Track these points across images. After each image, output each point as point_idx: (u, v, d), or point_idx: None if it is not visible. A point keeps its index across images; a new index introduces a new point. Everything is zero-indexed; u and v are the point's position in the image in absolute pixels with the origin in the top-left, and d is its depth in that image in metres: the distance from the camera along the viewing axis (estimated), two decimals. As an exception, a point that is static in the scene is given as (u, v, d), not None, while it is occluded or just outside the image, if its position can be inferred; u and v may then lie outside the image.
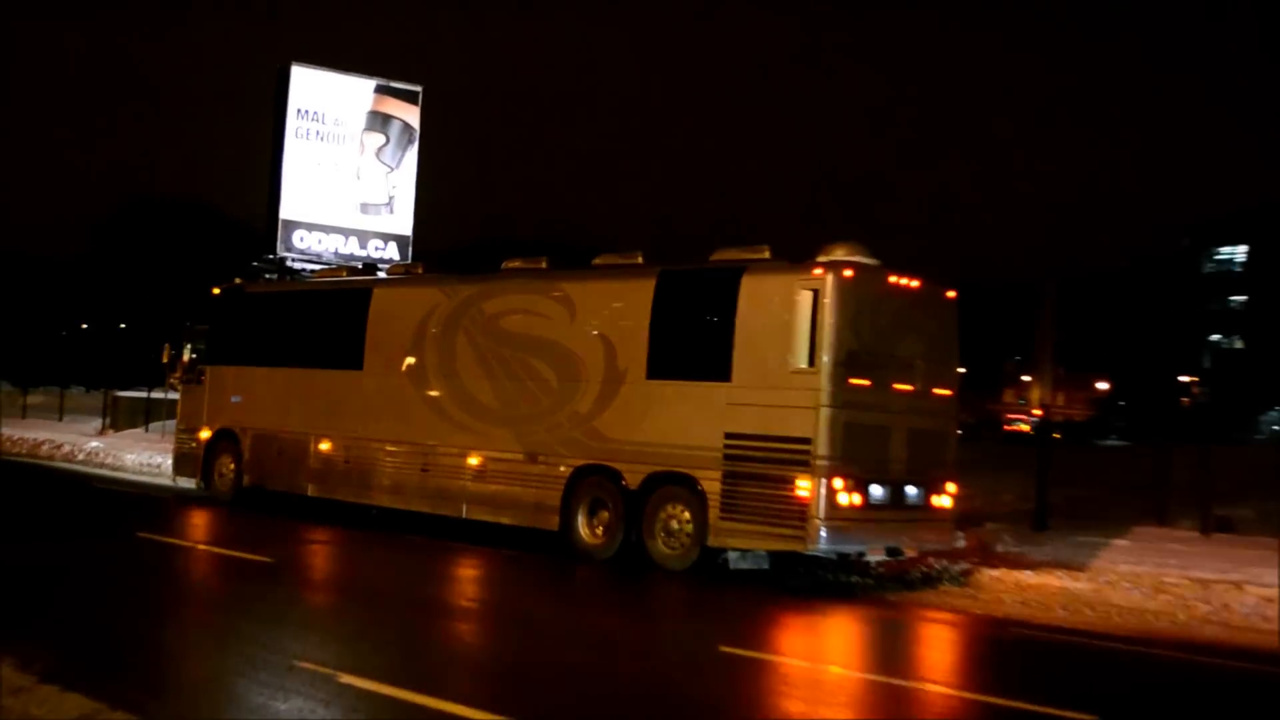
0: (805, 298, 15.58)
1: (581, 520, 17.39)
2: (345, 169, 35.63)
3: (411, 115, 36.62)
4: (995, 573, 16.76)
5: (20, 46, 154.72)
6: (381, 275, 24.93)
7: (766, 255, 16.66)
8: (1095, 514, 21.75)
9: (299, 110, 34.98)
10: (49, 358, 78.75)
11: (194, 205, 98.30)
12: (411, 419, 19.84)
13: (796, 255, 16.33)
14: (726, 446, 15.95)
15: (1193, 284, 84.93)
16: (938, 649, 13.71)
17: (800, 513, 15.21)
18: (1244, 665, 12.76)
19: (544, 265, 19.35)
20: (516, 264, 19.75)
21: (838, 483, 15.19)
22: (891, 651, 13.01)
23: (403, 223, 36.50)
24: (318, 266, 32.52)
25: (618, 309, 17.70)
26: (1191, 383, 78.45)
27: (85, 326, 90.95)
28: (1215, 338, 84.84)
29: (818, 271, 15.61)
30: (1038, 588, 16.09)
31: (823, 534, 15.13)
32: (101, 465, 31.37)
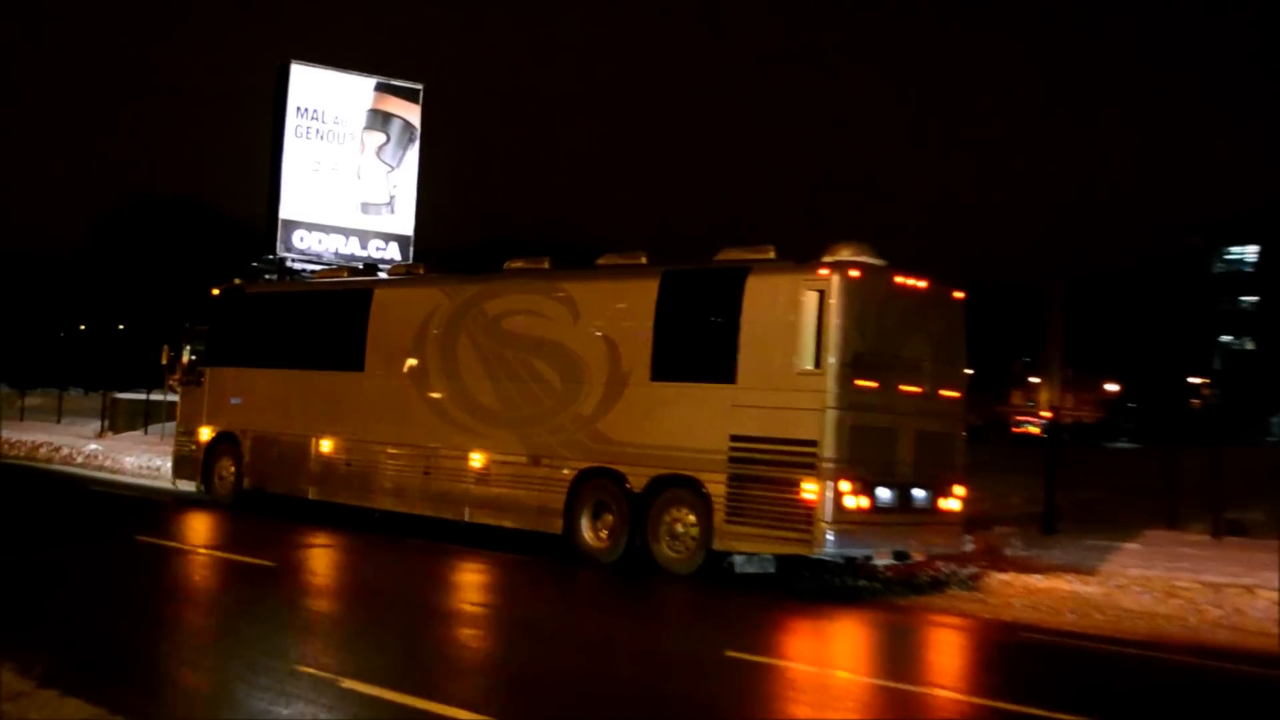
0: (811, 298, 15.57)
1: (585, 524, 17.39)
2: (345, 168, 35.62)
3: (412, 114, 36.62)
4: (1004, 576, 16.75)
5: (19, 45, 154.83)
6: (382, 276, 24.93)
7: (772, 255, 16.65)
8: (1105, 517, 21.72)
9: (299, 109, 34.98)
10: (47, 359, 78.82)
11: (193, 205, 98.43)
12: (413, 421, 19.85)
13: (802, 255, 16.33)
14: (732, 449, 15.95)
15: (1203, 284, 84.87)
16: (946, 653, 13.71)
17: (806, 516, 15.20)
18: (1256, 670, 12.76)
19: (547, 265, 19.35)
20: (519, 264, 19.76)
21: (844, 485, 15.18)
22: (899, 656, 13.00)
23: (404, 222, 36.49)
24: (318, 267, 32.52)
25: (621, 310, 17.70)
26: (1202, 384, 78.36)
27: (83, 327, 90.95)
28: (1226, 338, 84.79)
29: (823, 272, 15.60)
30: (1047, 592, 16.08)
31: (829, 537, 15.12)
32: (100, 468, 31.39)
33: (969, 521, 17.86)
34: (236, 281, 25.67)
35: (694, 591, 15.78)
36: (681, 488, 16.39)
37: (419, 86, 36.96)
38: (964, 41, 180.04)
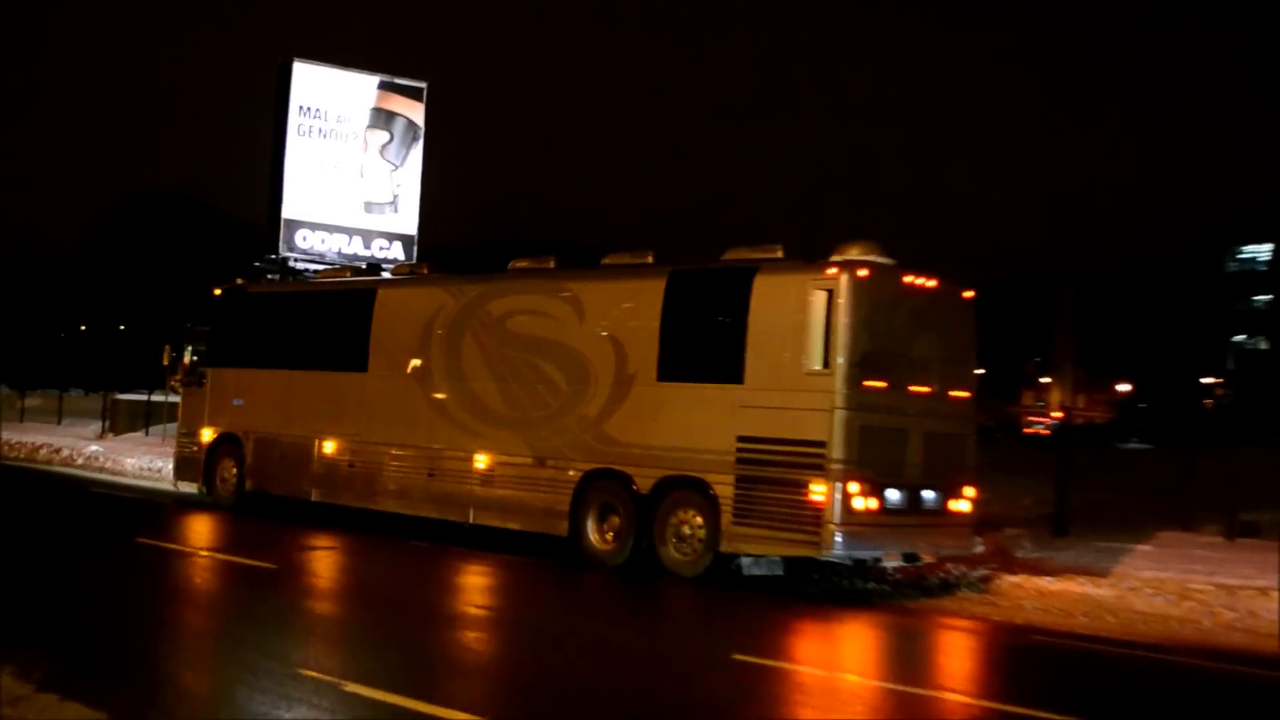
0: (819, 298, 15.55)
1: (591, 525, 17.38)
2: (348, 167, 35.61)
3: (416, 112, 36.61)
4: (1015, 579, 16.73)
5: (17, 43, 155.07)
6: (386, 275, 24.95)
7: (779, 254, 16.64)
8: (1117, 519, 21.70)
9: (301, 107, 34.98)
10: (47, 360, 78.94)
11: (194, 204, 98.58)
12: (417, 422, 19.85)
13: (810, 254, 16.31)
14: (739, 450, 15.94)
15: (1216, 283, 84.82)
16: (956, 657, 13.69)
17: (815, 517, 15.18)
18: (1271, 674, 12.74)
19: (552, 265, 19.35)
20: (524, 264, 19.76)
21: (853, 487, 15.16)
22: (909, 659, 12.98)
23: (407, 222, 36.47)
24: (321, 267, 32.48)
25: (627, 309, 17.69)
26: (1215, 384, 78.31)
27: (84, 328, 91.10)
28: (1239, 338, 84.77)
29: (832, 271, 15.59)
30: (1059, 594, 16.06)
31: (838, 539, 15.10)
32: (101, 470, 31.41)
33: (979, 523, 17.83)
34: (238, 281, 25.67)
35: (701, 594, 15.77)
36: (688, 489, 16.38)
37: (423, 85, 36.95)
38: (970, 40, 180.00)
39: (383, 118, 36.13)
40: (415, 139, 36.51)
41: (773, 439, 15.72)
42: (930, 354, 16.54)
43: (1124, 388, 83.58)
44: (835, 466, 15.13)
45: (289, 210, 34.58)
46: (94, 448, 34.67)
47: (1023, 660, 13.05)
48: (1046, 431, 57.76)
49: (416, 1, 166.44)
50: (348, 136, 35.58)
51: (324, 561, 17.75)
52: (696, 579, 16.11)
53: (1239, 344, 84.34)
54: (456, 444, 19.15)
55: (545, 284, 18.88)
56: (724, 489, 15.93)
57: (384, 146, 36.18)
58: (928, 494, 16.24)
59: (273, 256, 34.30)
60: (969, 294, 17.26)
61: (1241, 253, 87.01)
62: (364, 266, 28.62)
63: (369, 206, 35.94)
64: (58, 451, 34.31)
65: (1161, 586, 16.18)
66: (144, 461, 30.87)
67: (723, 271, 16.98)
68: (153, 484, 27.72)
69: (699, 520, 16.23)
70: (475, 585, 16.47)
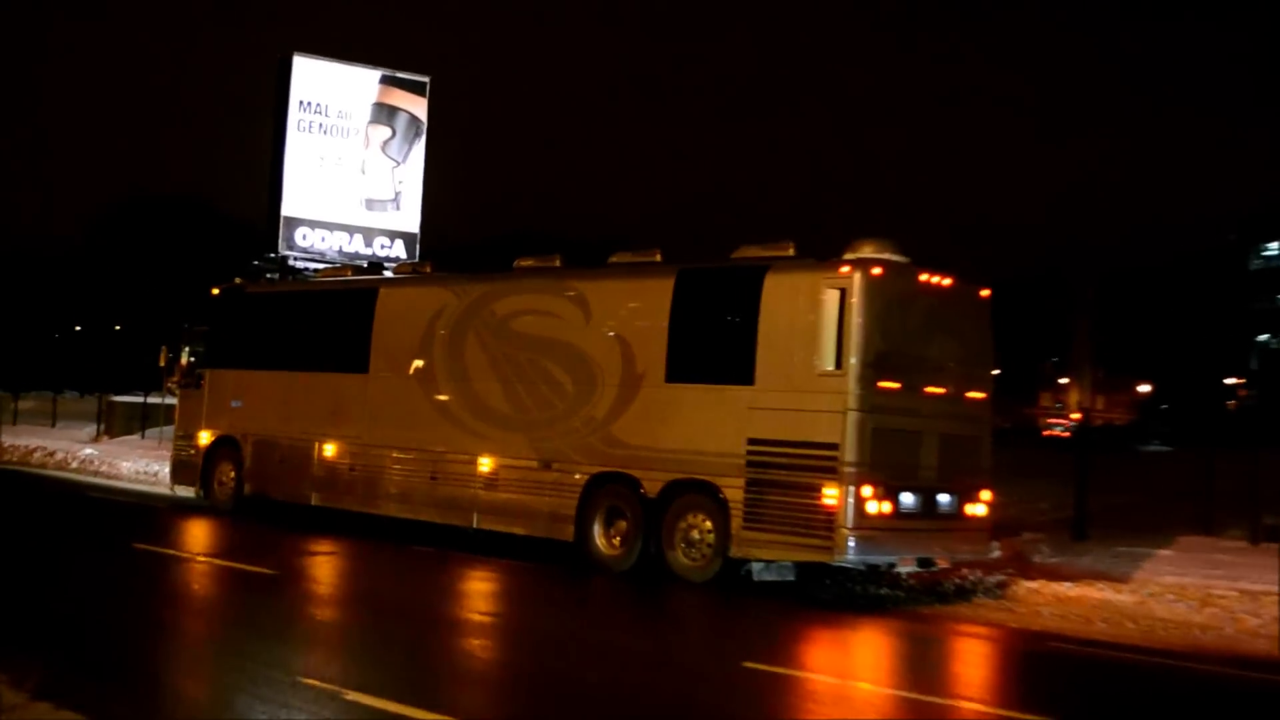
0: (832, 297, 15.55)
1: (598, 530, 17.39)
2: (350, 163, 35.70)
3: (419, 107, 36.69)
4: (1032, 584, 16.70)
5: (13, 40, 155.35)
6: (388, 274, 25.00)
7: (791, 253, 16.64)
8: (1137, 523, 21.65)
9: (301, 102, 35.08)
10: (41, 361, 79.04)
11: (192, 202, 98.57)
12: (419, 424, 19.86)
13: (822, 252, 16.32)
14: (749, 453, 15.93)
15: (1239, 281, 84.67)
16: (972, 664, 13.68)
17: (827, 522, 15.18)
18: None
19: (558, 264, 19.36)
20: (529, 262, 19.77)
21: (866, 490, 15.15)
22: (923, 667, 12.97)
23: (410, 219, 36.55)
24: (321, 265, 32.58)
25: (635, 309, 17.70)
26: (1238, 385, 78.16)
27: (79, 328, 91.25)
28: (1263, 338, 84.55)
29: (845, 269, 15.58)
30: (1077, 600, 16.04)
31: (851, 544, 15.10)
32: (96, 473, 31.46)
33: (996, 527, 17.82)
34: (237, 281, 25.70)
35: (710, 600, 15.78)
36: (697, 493, 16.38)
37: (425, 79, 37.03)
38: (985, 28, 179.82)
39: (385, 113, 36.21)
40: (418, 134, 36.59)
41: (784, 441, 15.72)
42: (946, 354, 16.53)
43: (1144, 388, 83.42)
44: (848, 469, 15.12)
45: (289, 208, 34.68)
46: (89, 451, 34.73)
47: (1040, 668, 13.03)
48: (1066, 434, 57.67)
49: (418, 3, 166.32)
50: (349, 132, 35.67)
51: (324, 567, 17.78)
52: (706, 585, 16.11)
53: (1263, 344, 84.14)
54: (460, 447, 19.16)
55: (551, 283, 18.90)
56: (734, 493, 15.93)
57: (386, 142, 36.26)
58: (943, 498, 16.24)
59: (272, 255, 34.40)
60: (985, 293, 17.25)
61: (1266, 250, 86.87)
62: (365, 265, 28.72)
63: (370, 204, 36.03)
64: (52, 455, 34.37)
65: (1183, 592, 16.16)
66: (140, 465, 30.93)
67: (733, 270, 16.98)
68: (149, 488, 27.77)
69: (708, 525, 16.23)
70: (479, 591, 16.49)
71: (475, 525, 18.88)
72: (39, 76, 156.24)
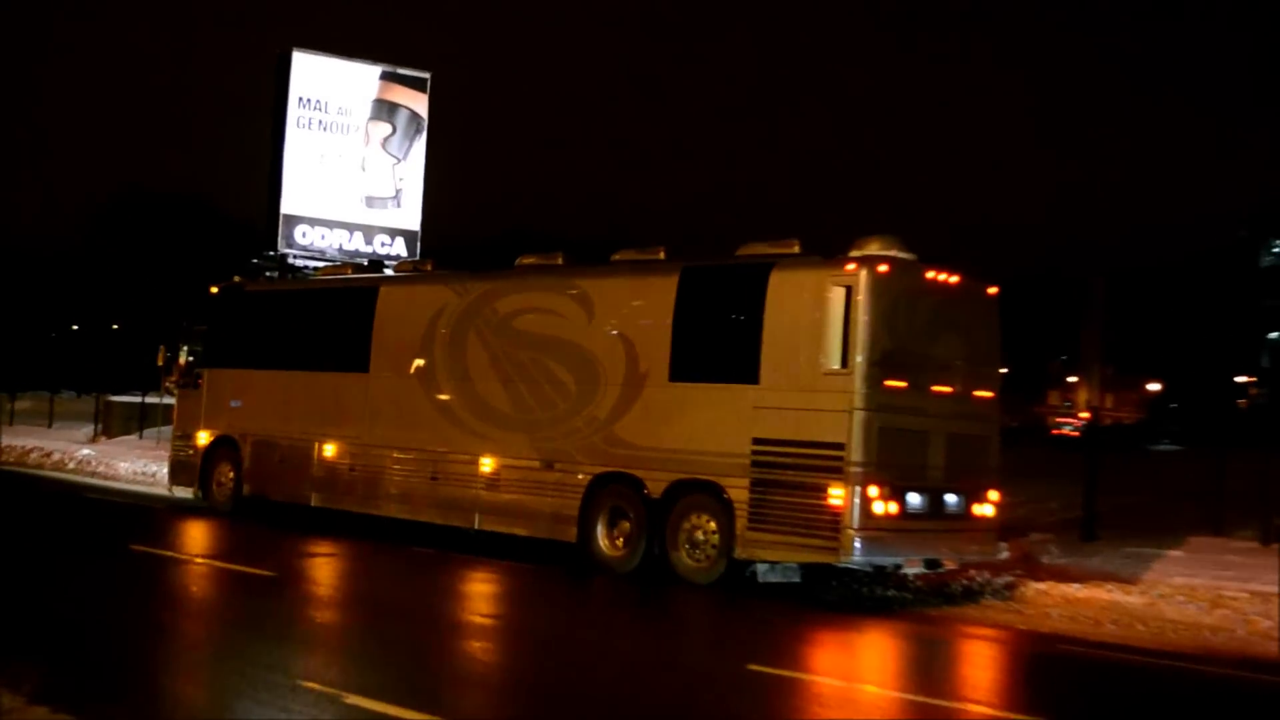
0: (838, 295, 15.53)
1: (601, 531, 17.38)
2: (350, 160, 35.72)
3: (420, 103, 36.69)
4: (1041, 586, 16.70)
5: (13, 40, 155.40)
6: (388, 273, 24.98)
7: (796, 250, 16.63)
8: (1147, 523, 21.64)
9: (301, 99, 35.09)
10: (38, 360, 79.03)
11: (191, 199, 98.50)
12: (420, 424, 19.86)
13: (828, 249, 16.31)
14: (754, 452, 15.92)
15: (1250, 278, 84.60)
16: (980, 667, 13.67)
17: (833, 522, 15.17)
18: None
19: (560, 261, 19.35)
20: (531, 260, 19.77)
21: (873, 491, 15.14)
22: (931, 670, 12.96)
23: (410, 217, 36.57)
24: (321, 264, 32.58)
25: (638, 307, 17.69)
26: (1249, 383, 78.12)
27: (76, 327, 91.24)
28: (1274, 335, 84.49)
29: (851, 267, 15.57)
30: (1086, 601, 16.03)
31: (857, 545, 15.08)
32: (93, 474, 31.48)
33: (1004, 528, 17.81)
34: (236, 279, 25.68)
35: (715, 602, 15.77)
36: (702, 493, 16.37)
37: (426, 75, 37.04)
38: (995, 26, 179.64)
39: (385, 109, 36.22)
40: (419, 131, 36.60)
41: (789, 441, 15.71)
42: (953, 353, 16.52)
43: (1154, 387, 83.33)
44: (854, 469, 15.11)
45: (288, 205, 34.70)
46: (86, 451, 34.75)
47: (1049, 670, 13.02)
48: (1075, 433, 57.64)
49: (418, 2, 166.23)
50: (349, 129, 35.69)
51: (324, 569, 17.78)
52: (710, 586, 16.10)
53: (1274, 341, 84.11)
54: (461, 447, 19.15)
55: (553, 281, 18.89)
56: (739, 493, 15.92)
57: (386, 139, 36.28)
58: (950, 498, 16.22)
59: (271, 253, 34.41)
60: (993, 290, 17.23)
61: (1277, 246, 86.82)
62: (365, 263, 28.68)
63: (371, 201, 36.04)
64: (49, 455, 34.39)
65: (1193, 593, 16.14)
66: (138, 465, 30.94)
67: (737, 268, 16.97)
68: (147, 489, 27.77)
69: (713, 525, 16.22)
70: (481, 593, 16.48)
71: (477, 526, 18.88)
72: (37, 75, 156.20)
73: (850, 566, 15.90)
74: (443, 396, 19.59)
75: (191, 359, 24.17)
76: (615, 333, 17.65)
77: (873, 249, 15.82)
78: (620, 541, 17.22)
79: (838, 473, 15.18)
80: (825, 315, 15.57)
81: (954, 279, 16.51)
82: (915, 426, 15.90)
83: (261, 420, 22.56)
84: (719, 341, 16.82)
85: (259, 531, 20.72)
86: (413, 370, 19.99)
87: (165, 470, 25.63)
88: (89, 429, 41.55)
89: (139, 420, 39.97)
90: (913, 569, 16.59)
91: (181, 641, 12.04)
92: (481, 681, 10.99)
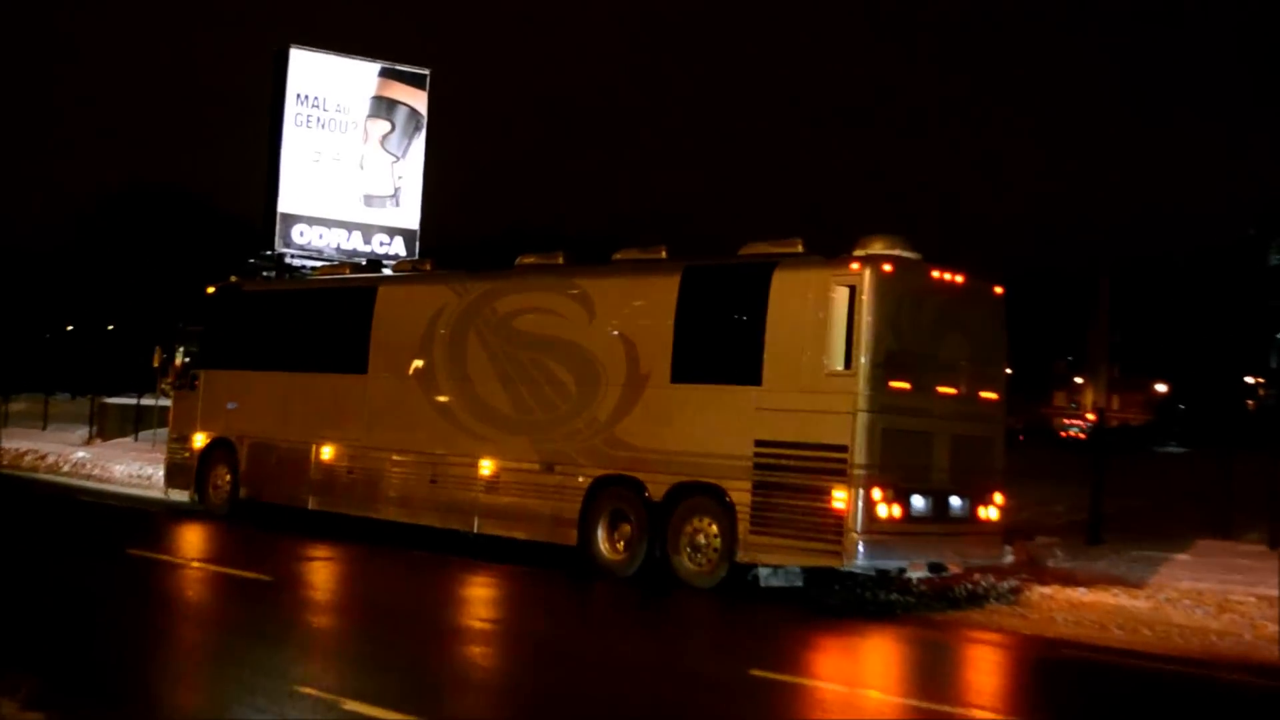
0: (841, 294, 15.54)
1: (601, 534, 17.38)
2: (348, 159, 35.73)
3: (419, 100, 36.70)
4: (1046, 590, 16.70)
5: (12, 38, 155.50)
6: (387, 273, 24.99)
7: (799, 249, 16.63)
8: (1154, 526, 21.63)
9: (298, 96, 35.10)
10: (32, 362, 79.05)
11: (187, 198, 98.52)
12: (419, 426, 19.86)
13: (831, 249, 16.32)
14: (757, 455, 15.92)
15: (1259, 277, 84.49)
16: (985, 672, 13.67)
17: (836, 526, 15.17)
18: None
19: (561, 261, 19.35)
20: (531, 260, 19.77)
21: (876, 493, 15.15)
22: (935, 675, 12.96)
23: (409, 216, 36.57)
24: (319, 263, 32.59)
25: (640, 307, 17.70)
26: (1257, 384, 78.05)
27: (70, 328, 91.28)
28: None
29: (855, 266, 15.57)
30: (1092, 606, 16.03)
31: (860, 548, 15.09)
32: (88, 477, 31.49)
33: (1009, 531, 17.83)
34: (233, 279, 25.72)
35: (717, 606, 15.78)
36: (703, 496, 16.37)
37: (425, 72, 37.04)
38: (998, 25, 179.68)
39: (384, 106, 36.23)
40: (418, 129, 36.61)
41: (792, 443, 15.71)
42: (958, 353, 16.52)
43: (1161, 388, 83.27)
44: (858, 472, 15.11)
45: (286, 204, 34.71)
46: (81, 454, 34.75)
47: (1054, 675, 13.03)
48: (1081, 435, 57.64)
49: (419, 3, 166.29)
50: (347, 126, 35.70)
51: (322, 573, 17.79)
52: (712, 590, 16.11)
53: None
54: (460, 449, 19.16)
55: (554, 281, 18.89)
56: (741, 496, 15.92)
57: (385, 137, 36.29)
58: (955, 501, 16.23)
59: (268, 253, 34.43)
60: (999, 290, 17.23)
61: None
62: (364, 263, 28.69)
63: (369, 200, 36.05)
64: (43, 458, 34.39)
65: (1200, 598, 16.14)
66: (133, 468, 30.94)
67: (740, 267, 16.97)
68: (142, 492, 27.79)
69: (714, 529, 16.23)
70: (480, 597, 16.49)
71: (476, 529, 18.87)
72: (35, 72, 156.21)
73: (854, 570, 15.91)
74: (442, 398, 19.59)
75: (187, 360, 24.17)
76: (616, 333, 17.66)
77: (877, 248, 15.83)
78: (621, 545, 17.22)
79: (841, 475, 15.18)
80: (829, 315, 15.57)
81: (959, 278, 16.52)
82: (919, 428, 15.90)
83: (258, 422, 22.56)
84: (721, 342, 16.82)
85: (256, 535, 20.73)
86: (411, 371, 19.99)
87: (161, 473, 25.63)
88: (84, 431, 41.54)
89: (134, 422, 39.94)
90: (916, 573, 16.59)
91: (178, 647, 12.04)
92: (480, 687, 10.99)
